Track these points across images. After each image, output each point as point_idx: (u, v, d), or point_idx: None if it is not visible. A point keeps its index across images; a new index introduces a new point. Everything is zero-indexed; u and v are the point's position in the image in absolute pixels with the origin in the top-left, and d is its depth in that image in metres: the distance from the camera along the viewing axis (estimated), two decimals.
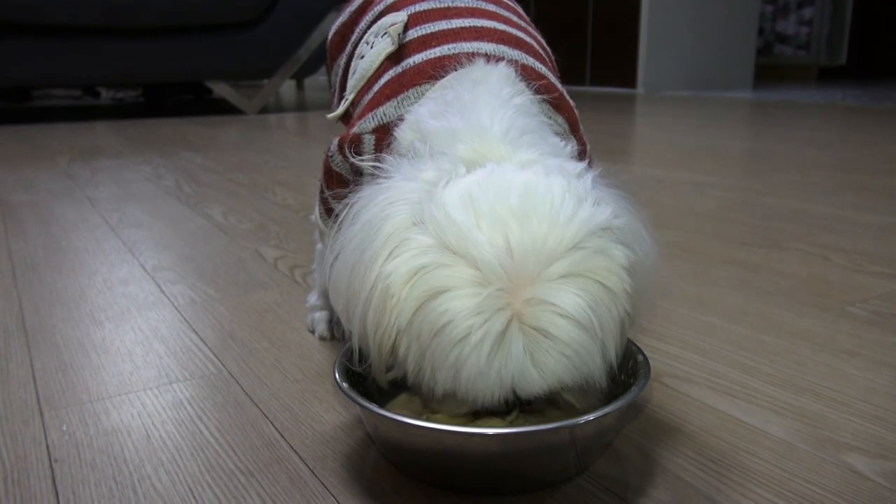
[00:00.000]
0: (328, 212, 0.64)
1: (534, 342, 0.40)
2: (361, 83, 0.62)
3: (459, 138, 0.48)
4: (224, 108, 3.28)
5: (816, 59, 5.32)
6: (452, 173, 0.45)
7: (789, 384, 0.61)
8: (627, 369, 0.52)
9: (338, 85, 0.75)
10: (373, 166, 0.52)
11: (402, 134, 0.54)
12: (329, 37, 0.80)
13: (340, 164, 0.60)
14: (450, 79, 0.54)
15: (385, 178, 0.48)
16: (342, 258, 0.46)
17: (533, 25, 0.68)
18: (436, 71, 0.55)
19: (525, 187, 0.43)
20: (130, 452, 0.52)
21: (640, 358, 0.51)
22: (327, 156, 0.61)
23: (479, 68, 0.54)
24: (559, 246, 0.41)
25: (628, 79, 4.29)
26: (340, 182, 0.61)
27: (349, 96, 0.64)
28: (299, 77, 4.03)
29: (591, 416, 0.43)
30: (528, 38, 0.62)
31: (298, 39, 3.00)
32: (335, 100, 0.77)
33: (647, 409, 0.57)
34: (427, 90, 0.55)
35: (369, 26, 0.68)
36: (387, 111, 0.56)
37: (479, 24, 0.60)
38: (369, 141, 0.57)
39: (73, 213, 1.28)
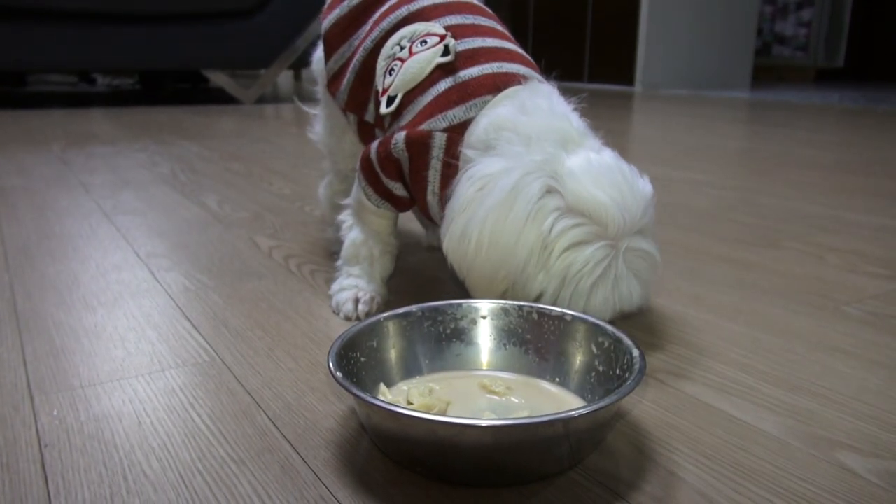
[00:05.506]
0: (382, 193, 0.75)
1: (632, 283, 0.62)
2: (412, 85, 0.72)
3: (553, 129, 0.65)
4: (220, 98, 3.26)
5: (814, 60, 5.32)
6: (558, 155, 0.62)
7: (783, 382, 0.61)
8: (622, 364, 0.52)
9: (352, 75, 0.81)
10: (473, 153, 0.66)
11: (480, 131, 0.67)
12: (326, 27, 0.85)
13: (401, 153, 0.70)
14: (508, 92, 0.69)
15: (498, 155, 0.64)
16: (478, 215, 0.62)
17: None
18: (494, 86, 0.69)
19: (617, 167, 0.62)
20: (121, 438, 0.51)
21: (636, 353, 0.51)
22: (390, 145, 0.71)
23: (534, 86, 0.70)
24: (640, 207, 0.61)
25: (626, 76, 4.29)
26: (397, 167, 0.72)
27: (398, 95, 0.73)
28: (296, 67, 4.02)
29: (584, 410, 0.43)
30: (528, 57, 0.78)
31: (296, 29, 2.99)
32: (341, 84, 0.83)
33: (641, 405, 0.57)
34: (488, 100, 0.68)
35: (394, 28, 0.77)
36: (456, 114, 0.69)
37: (503, 46, 0.75)
38: (440, 138, 0.69)
39: (67, 199, 1.27)
